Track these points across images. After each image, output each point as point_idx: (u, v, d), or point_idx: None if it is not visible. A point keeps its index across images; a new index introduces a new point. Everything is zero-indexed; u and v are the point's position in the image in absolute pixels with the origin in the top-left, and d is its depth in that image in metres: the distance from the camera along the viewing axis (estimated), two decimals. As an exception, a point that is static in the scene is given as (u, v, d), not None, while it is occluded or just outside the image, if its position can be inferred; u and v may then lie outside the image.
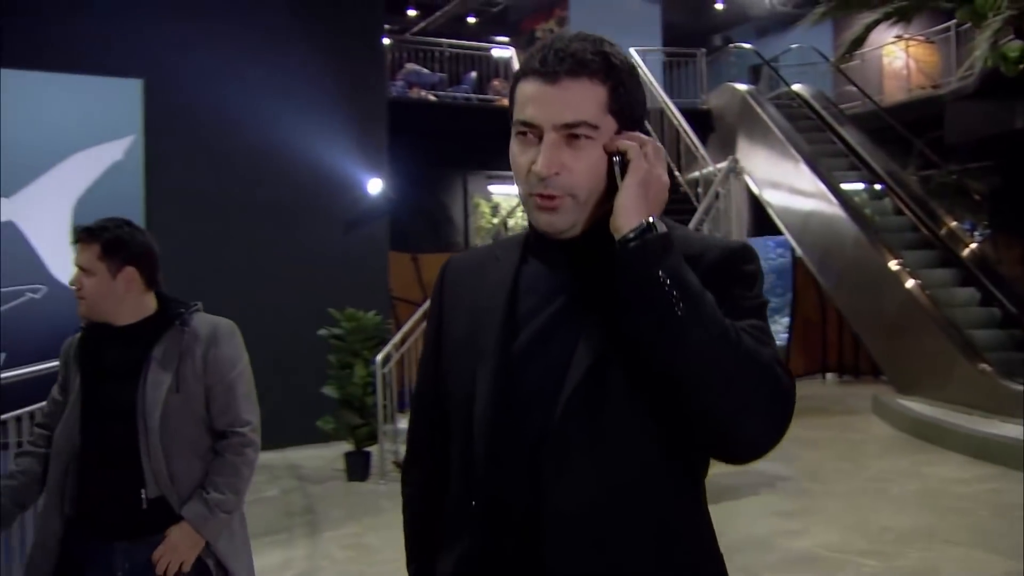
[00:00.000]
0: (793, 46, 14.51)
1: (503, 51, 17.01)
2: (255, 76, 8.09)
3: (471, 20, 17.86)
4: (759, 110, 11.94)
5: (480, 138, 11.09)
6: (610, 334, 1.16)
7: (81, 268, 2.31)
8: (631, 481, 1.16)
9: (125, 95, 7.34)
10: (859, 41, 9.23)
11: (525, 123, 1.17)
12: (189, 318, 2.35)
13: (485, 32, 17.91)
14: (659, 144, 1.19)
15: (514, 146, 1.20)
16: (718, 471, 5.08)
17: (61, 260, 7.16)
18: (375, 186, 8.48)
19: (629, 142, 1.17)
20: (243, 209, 8.00)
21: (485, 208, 14.17)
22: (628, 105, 1.19)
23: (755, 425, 1.11)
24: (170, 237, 7.42)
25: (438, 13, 17.07)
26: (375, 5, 9.19)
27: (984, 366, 7.88)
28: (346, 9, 8.68)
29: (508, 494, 1.19)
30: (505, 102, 10.48)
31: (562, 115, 1.15)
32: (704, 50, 14.65)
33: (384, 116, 8.94)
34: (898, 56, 14.96)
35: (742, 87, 12.91)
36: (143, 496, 2.19)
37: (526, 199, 1.20)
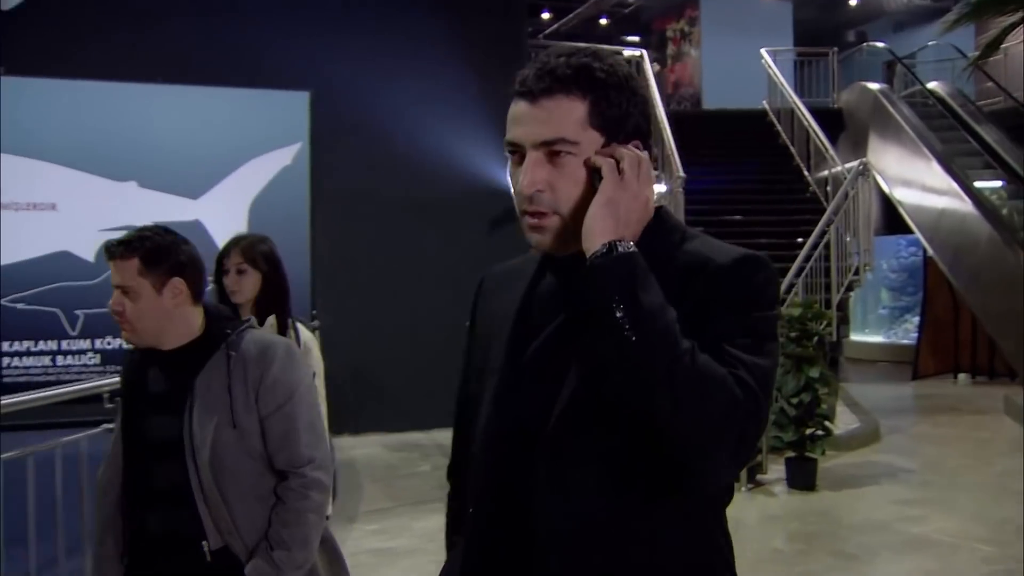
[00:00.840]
0: (931, 43, 14.32)
1: (633, 51, 17.41)
2: (406, 84, 8.80)
3: (603, 22, 18.26)
4: (891, 109, 11.93)
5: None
6: None
7: (120, 288, 2.02)
8: (622, 496, 1.14)
9: (294, 106, 8.14)
10: (996, 44, 9.22)
11: (510, 143, 1.20)
12: (238, 340, 2.05)
13: (617, 33, 18.33)
14: (643, 157, 1.17)
15: (509, 167, 1.22)
16: (839, 462, 5.55)
17: (239, 255, 8.06)
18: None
19: (603, 158, 1.15)
20: (397, 208, 8.73)
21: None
22: (615, 118, 1.18)
23: (708, 452, 1.07)
24: (332, 234, 8.31)
25: (571, 15, 17.55)
26: (518, 11, 9.77)
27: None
28: (490, 16, 9.28)
29: (502, 504, 1.21)
30: None
31: (540, 133, 1.16)
32: (836, 49, 14.62)
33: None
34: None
35: (874, 86, 12.90)
36: (205, 548, 1.95)
37: (520, 218, 1.20)
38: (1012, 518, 5.40)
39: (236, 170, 8.06)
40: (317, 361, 3.09)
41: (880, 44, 15.24)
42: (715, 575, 1.22)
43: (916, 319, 13.80)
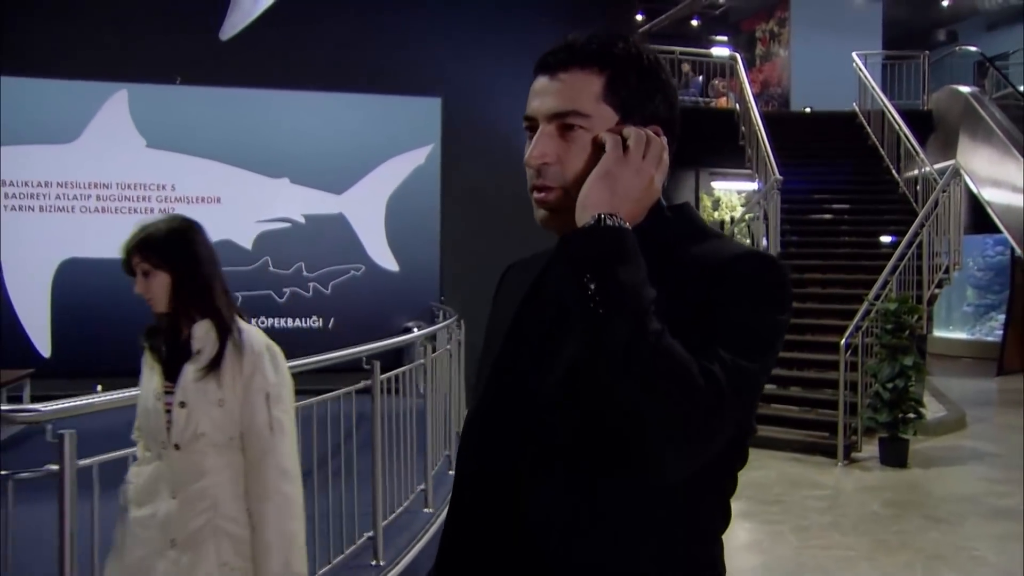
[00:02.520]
0: None
1: (722, 50, 17.95)
2: (524, 88, 9.61)
3: (694, 23, 18.79)
4: (982, 112, 12.30)
5: (705, 138, 12.25)
6: None
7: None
8: (605, 486, 1.11)
9: (428, 110, 9.03)
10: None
11: (526, 118, 1.18)
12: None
13: (707, 33, 18.85)
14: (655, 139, 1.13)
15: (526, 144, 1.19)
16: (927, 445, 6.28)
17: (376, 245, 8.99)
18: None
19: (609, 133, 1.12)
20: (516, 203, 9.55)
21: (707, 202, 15.24)
22: (632, 98, 1.15)
23: (658, 438, 1.03)
24: (460, 227, 9.15)
25: (663, 16, 18.12)
26: (627, 11, 10.47)
27: None
28: (601, 17, 10.02)
29: (483, 487, 1.19)
30: (723, 102, 11.76)
31: (553, 105, 1.14)
32: (927, 52, 14.93)
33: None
34: None
35: (965, 89, 13.24)
36: None
37: (529, 194, 1.18)
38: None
39: (375, 169, 8.98)
40: (272, 374, 2.19)
41: (972, 48, 15.46)
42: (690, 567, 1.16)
43: (1001, 317, 14.14)
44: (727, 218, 14.87)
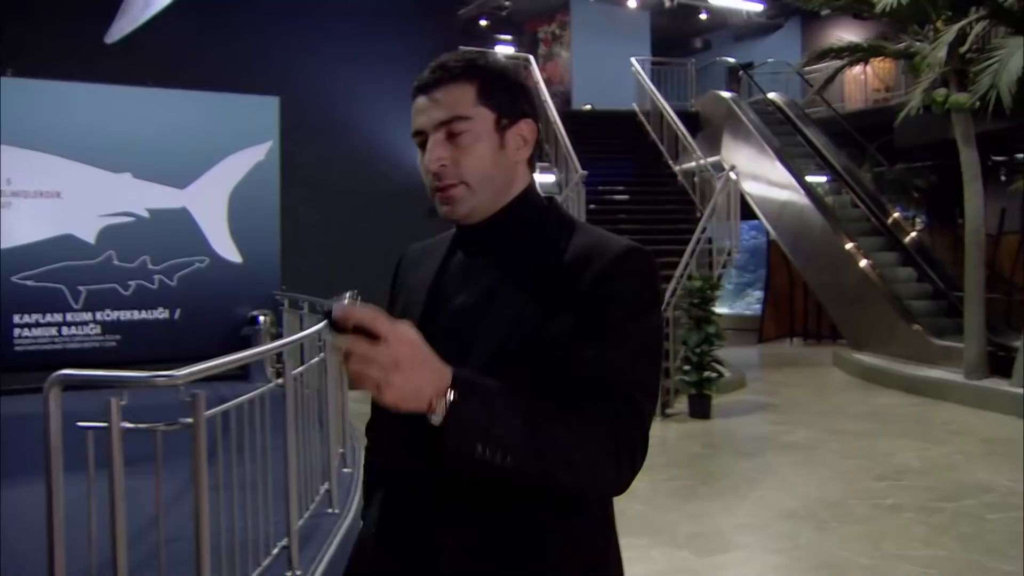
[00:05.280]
0: (770, 60, 16.79)
1: (505, 48, 19.18)
2: (361, 91, 10.21)
3: (483, 23, 19.84)
4: (740, 114, 14.20)
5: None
6: (509, 324, 1.23)
7: None
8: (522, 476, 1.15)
9: (266, 109, 9.41)
10: (829, 81, 11.55)
11: (415, 132, 1.30)
12: None
13: (494, 33, 20.01)
14: (397, 341, 1.04)
15: (418, 157, 1.31)
16: (721, 400, 7.76)
17: (219, 238, 9.29)
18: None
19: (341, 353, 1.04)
20: (352, 198, 10.16)
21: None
22: (503, 99, 1.29)
23: (609, 480, 1.18)
24: (298, 219, 9.64)
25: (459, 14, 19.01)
26: (452, 25, 11.28)
27: (917, 327, 10.31)
28: (428, 32, 10.77)
29: (408, 472, 1.27)
30: None
31: (437, 116, 1.27)
32: (694, 59, 16.82)
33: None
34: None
35: (727, 94, 15.17)
36: None
37: (432, 196, 1.30)
38: (851, 430, 7.56)
39: (217, 164, 9.26)
40: None
41: (731, 60, 17.60)
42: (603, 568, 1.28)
43: (758, 293, 16.34)
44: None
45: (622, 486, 1.19)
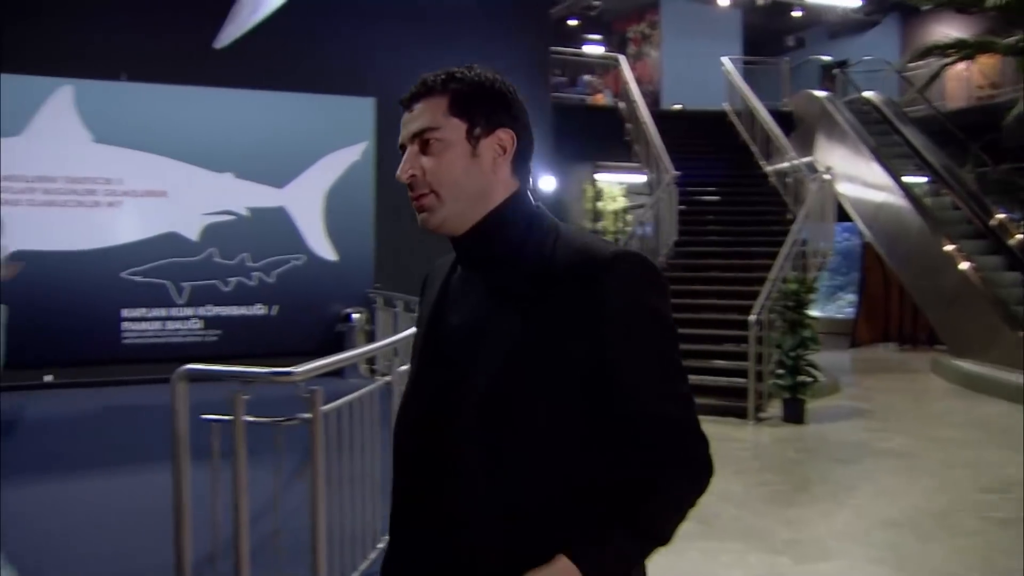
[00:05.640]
0: (866, 57, 16.37)
1: (595, 48, 19.15)
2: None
3: (572, 23, 19.86)
4: (836, 114, 13.89)
5: (590, 133, 13.31)
6: (498, 352, 1.22)
7: None
8: (543, 485, 1.20)
9: (363, 110, 9.61)
10: (933, 78, 11.19)
11: (400, 146, 1.34)
12: None
13: (583, 33, 20.00)
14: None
15: None
16: (814, 405, 7.53)
17: (315, 236, 9.53)
18: (547, 183, 10.71)
19: None
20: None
21: (589, 193, 16.38)
22: (476, 108, 1.30)
23: (699, 495, 1.27)
24: (392, 218, 9.79)
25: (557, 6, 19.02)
26: (545, 24, 11.31)
27: (1023, 334, 9.93)
28: (523, 34, 10.84)
29: (416, 483, 1.29)
30: (600, 99, 13.00)
31: (412, 129, 1.31)
32: (788, 58, 16.50)
33: (549, 119, 11.06)
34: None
35: (820, 93, 14.85)
36: None
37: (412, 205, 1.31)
38: (954, 438, 7.33)
39: (314, 164, 9.50)
40: None
41: (826, 57, 17.20)
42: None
43: (850, 296, 15.95)
44: (609, 208, 16.10)
45: (707, 484, 1.27)
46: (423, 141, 1.30)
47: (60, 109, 8.52)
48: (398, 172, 1.31)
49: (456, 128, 1.29)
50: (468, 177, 1.29)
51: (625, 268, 1.22)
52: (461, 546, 1.22)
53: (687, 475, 1.25)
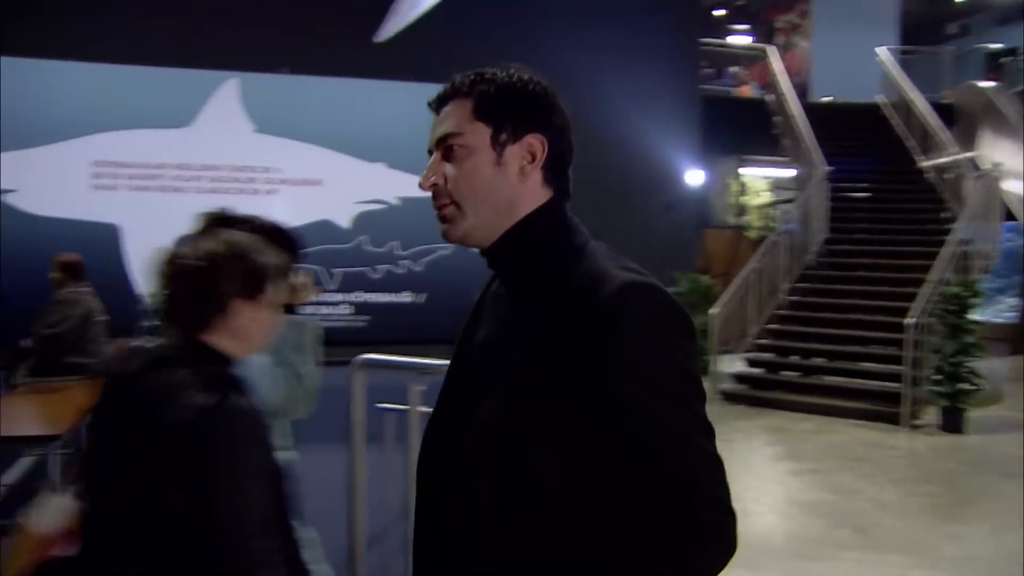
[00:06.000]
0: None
1: (742, 39, 18.67)
2: (600, 83, 10.28)
3: (717, 13, 19.44)
4: (1003, 107, 13.10)
5: (736, 126, 13.00)
6: (509, 374, 1.15)
7: None
8: (534, 520, 1.11)
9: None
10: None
11: (428, 151, 1.29)
12: None
13: (729, 23, 19.54)
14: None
15: None
16: (972, 414, 7.06)
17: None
18: (695, 177, 10.56)
19: None
20: (591, 191, 10.23)
21: (734, 187, 16.03)
22: (502, 112, 1.23)
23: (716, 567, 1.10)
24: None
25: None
26: (693, 16, 11.16)
27: None
28: (669, 23, 10.70)
29: (423, 499, 1.28)
30: (746, 90, 12.64)
31: (437, 133, 1.26)
32: (950, 47, 15.64)
33: (697, 112, 10.88)
34: None
35: (985, 84, 14.04)
36: None
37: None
38: None
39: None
40: None
41: (994, 45, 16.24)
42: None
43: (1011, 300, 15.02)
44: (753, 203, 15.71)
45: (723, 562, 1.11)
46: (447, 147, 1.25)
47: (226, 101, 8.94)
48: (419, 179, 1.27)
49: (480, 133, 1.24)
50: (492, 187, 1.23)
51: (642, 304, 1.11)
52: (457, 563, 1.18)
53: (695, 548, 1.08)
